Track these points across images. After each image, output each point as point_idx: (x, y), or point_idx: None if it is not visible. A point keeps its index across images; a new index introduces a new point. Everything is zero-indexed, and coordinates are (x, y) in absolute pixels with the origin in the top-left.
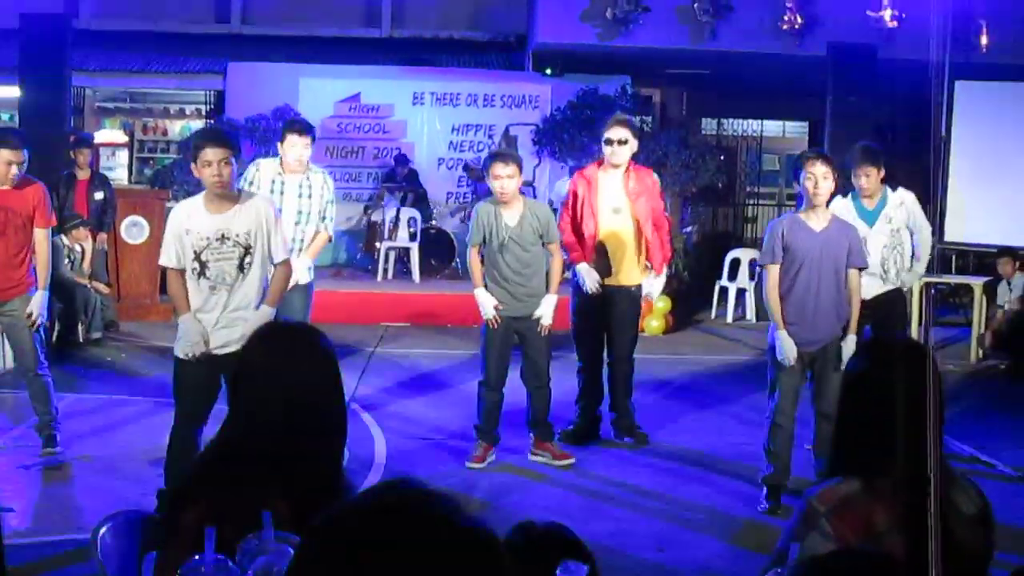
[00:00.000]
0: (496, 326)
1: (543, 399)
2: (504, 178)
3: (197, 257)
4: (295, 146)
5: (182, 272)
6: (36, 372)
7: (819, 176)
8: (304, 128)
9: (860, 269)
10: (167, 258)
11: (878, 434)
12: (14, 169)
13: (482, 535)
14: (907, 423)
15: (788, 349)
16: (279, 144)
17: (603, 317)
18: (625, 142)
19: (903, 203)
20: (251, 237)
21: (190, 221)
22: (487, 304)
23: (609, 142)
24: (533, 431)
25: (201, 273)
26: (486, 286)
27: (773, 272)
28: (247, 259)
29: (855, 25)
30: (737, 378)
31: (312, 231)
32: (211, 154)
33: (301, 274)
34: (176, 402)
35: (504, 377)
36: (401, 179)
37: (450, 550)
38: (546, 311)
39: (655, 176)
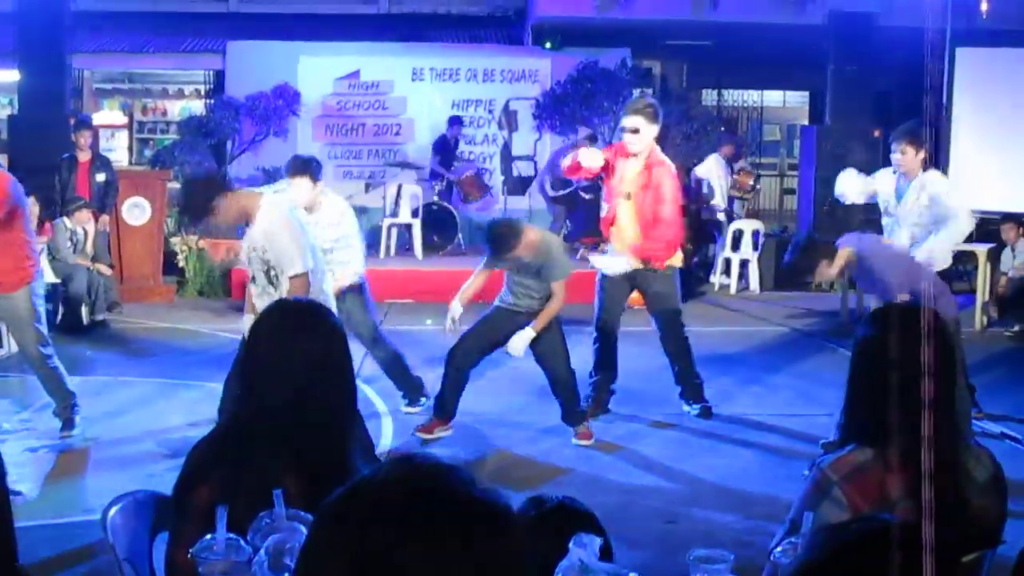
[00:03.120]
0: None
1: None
2: None
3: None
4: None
5: None
6: (42, 363)
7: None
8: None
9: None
10: None
11: (887, 401)
12: None
13: (497, 507)
14: (915, 389)
15: None
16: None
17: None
18: (636, 131)
19: (924, 187)
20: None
21: None
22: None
23: (623, 130)
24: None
25: (253, 279)
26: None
27: None
28: (271, 272)
29: None
30: (742, 349)
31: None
32: None
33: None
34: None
35: (473, 359)
36: (453, 142)
37: (466, 522)
38: (517, 344)
39: (669, 176)
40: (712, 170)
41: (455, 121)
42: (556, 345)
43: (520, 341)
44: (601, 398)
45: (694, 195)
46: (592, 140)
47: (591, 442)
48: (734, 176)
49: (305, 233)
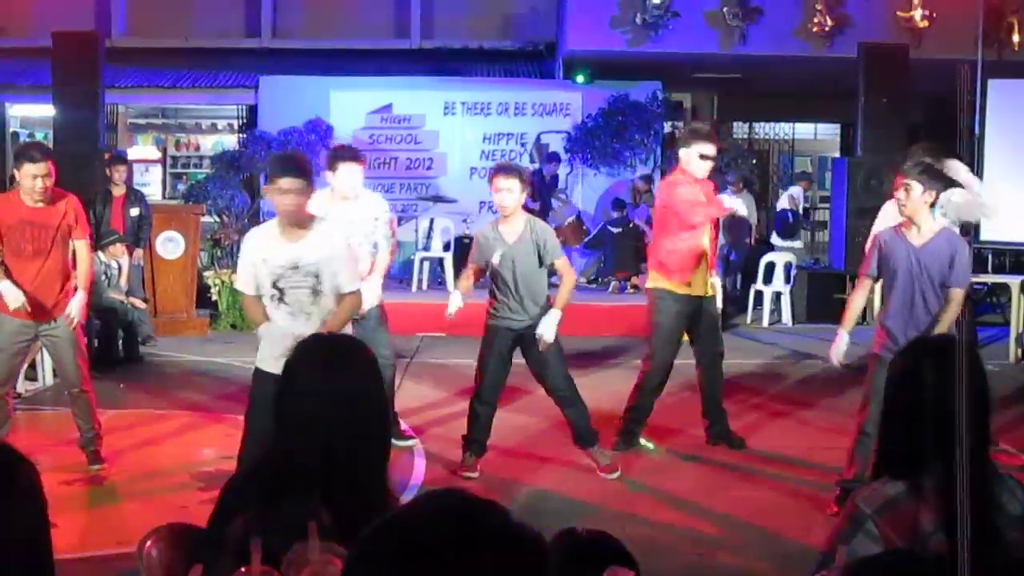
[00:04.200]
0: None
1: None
2: (504, 191)
3: (275, 284)
4: (352, 174)
5: (258, 296)
6: (81, 389)
7: (900, 187)
8: (357, 155)
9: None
10: (243, 284)
11: (921, 434)
12: (40, 183)
13: (531, 540)
14: (948, 422)
15: (837, 350)
16: (329, 173)
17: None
18: (714, 159)
19: None
20: (319, 266)
21: (266, 250)
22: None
23: (704, 157)
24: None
25: (280, 300)
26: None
27: (862, 283)
28: (318, 287)
29: (885, 26)
30: (773, 382)
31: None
32: (286, 184)
33: (373, 297)
34: (249, 420)
35: (499, 389)
36: (549, 180)
37: (500, 555)
38: (547, 329)
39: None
40: (799, 203)
41: (552, 158)
42: (552, 355)
43: (550, 326)
44: (635, 430)
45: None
46: (647, 180)
47: (618, 475)
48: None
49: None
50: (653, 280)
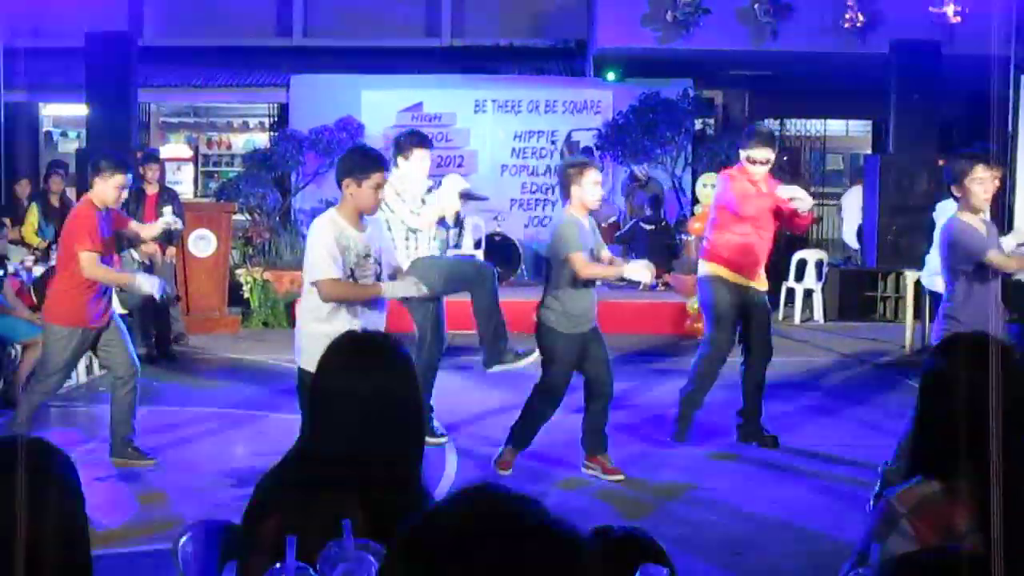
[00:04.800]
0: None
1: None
2: (600, 185)
3: (352, 275)
4: (427, 159)
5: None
6: (134, 381)
7: (989, 179)
8: (429, 141)
9: None
10: (335, 270)
11: (956, 433)
12: (124, 194)
13: (570, 536)
14: (984, 421)
15: None
16: (400, 159)
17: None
18: (768, 162)
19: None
20: (380, 253)
21: (346, 239)
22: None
23: (753, 161)
24: (585, 445)
25: None
26: (551, 304)
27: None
28: (379, 272)
29: (917, 22)
30: (807, 379)
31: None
32: (381, 178)
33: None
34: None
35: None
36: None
37: (539, 552)
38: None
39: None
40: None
41: (586, 153)
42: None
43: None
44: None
45: None
46: (636, 179)
47: (622, 477)
48: None
49: None
50: (705, 268)
